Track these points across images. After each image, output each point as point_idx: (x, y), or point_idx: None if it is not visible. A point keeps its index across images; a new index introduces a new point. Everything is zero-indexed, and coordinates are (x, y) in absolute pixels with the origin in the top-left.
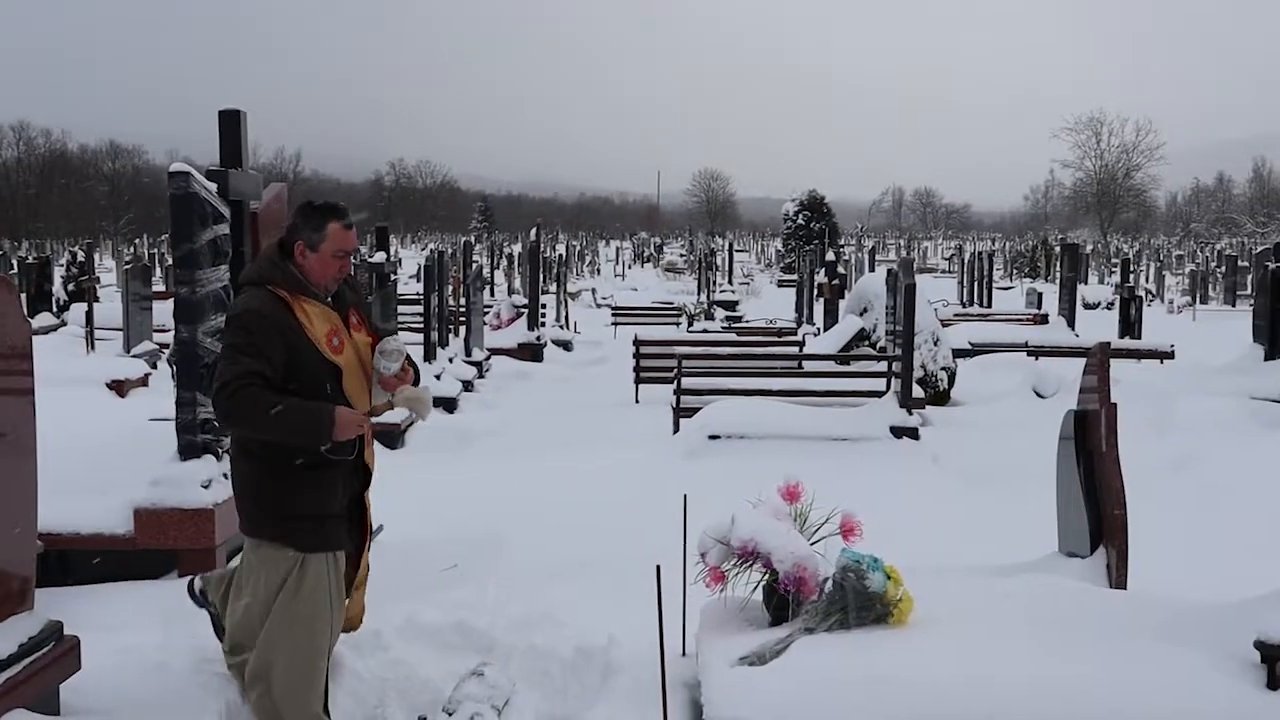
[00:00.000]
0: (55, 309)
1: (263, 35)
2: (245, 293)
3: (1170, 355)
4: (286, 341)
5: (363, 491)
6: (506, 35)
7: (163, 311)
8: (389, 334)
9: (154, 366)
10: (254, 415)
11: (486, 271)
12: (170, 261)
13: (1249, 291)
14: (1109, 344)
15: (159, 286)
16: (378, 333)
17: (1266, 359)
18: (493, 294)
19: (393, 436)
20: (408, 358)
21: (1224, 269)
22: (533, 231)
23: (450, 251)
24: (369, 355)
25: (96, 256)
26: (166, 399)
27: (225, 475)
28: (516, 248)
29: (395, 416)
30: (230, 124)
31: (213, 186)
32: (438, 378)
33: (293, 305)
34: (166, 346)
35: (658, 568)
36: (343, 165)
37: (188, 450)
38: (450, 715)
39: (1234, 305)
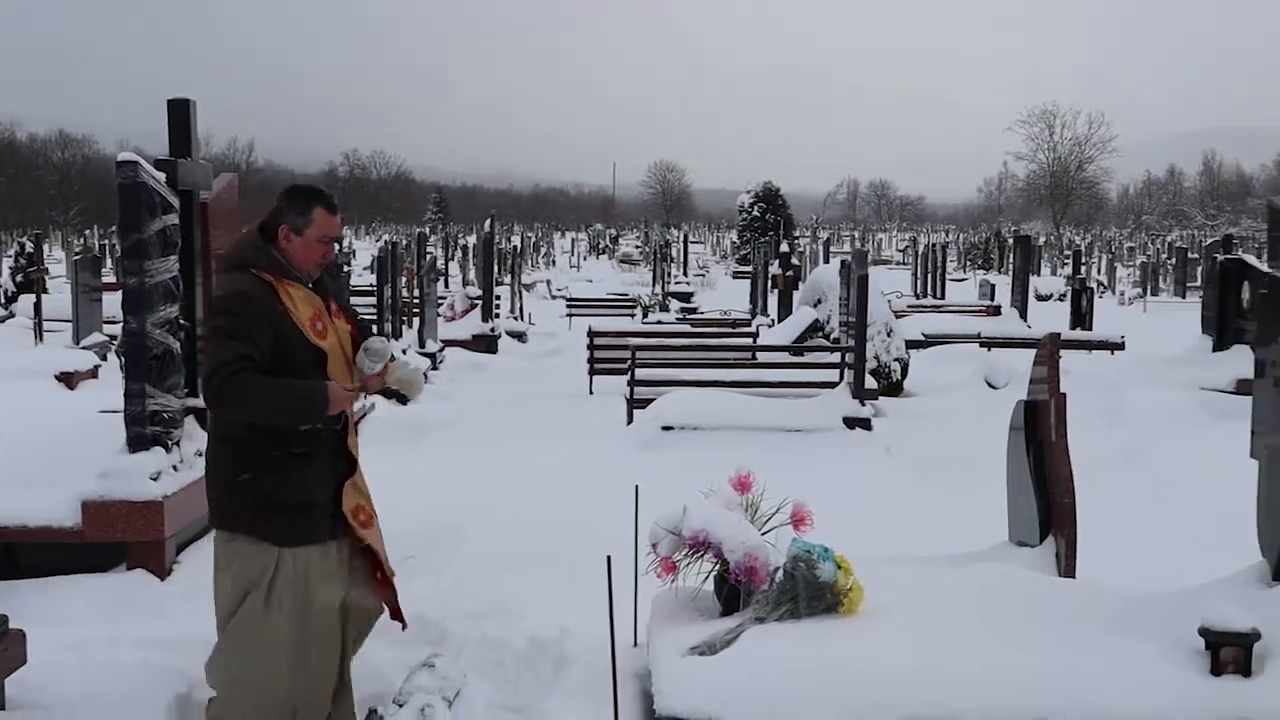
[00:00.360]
0: (3, 300)
1: (217, 25)
2: (229, 276)
3: (1121, 346)
4: (273, 325)
5: (345, 480)
6: (463, 28)
7: (113, 303)
8: (368, 328)
9: (104, 358)
10: (249, 399)
11: (441, 263)
12: (120, 252)
13: (1199, 283)
14: (1058, 335)
15: (109, 278)
16: (357, 322)
17: (1215, 350)
18: (447, 285)
19: None
20: (392, 357)
21: (1174, 261)
22: (487, 223)
23: (405, 243)
24: (349, 342)
25: (45, 247)
26: (116, 391)
27: (175, 467)
28: (471, 239)
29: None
30: (179, 113)
31: (161, 176)
32: None
33: (277, 288)
34: (116, 338)
35: (608, 558)
36: (297, 156)
37: (136, 442)
38: (401, 706)
39: (1184, 297)
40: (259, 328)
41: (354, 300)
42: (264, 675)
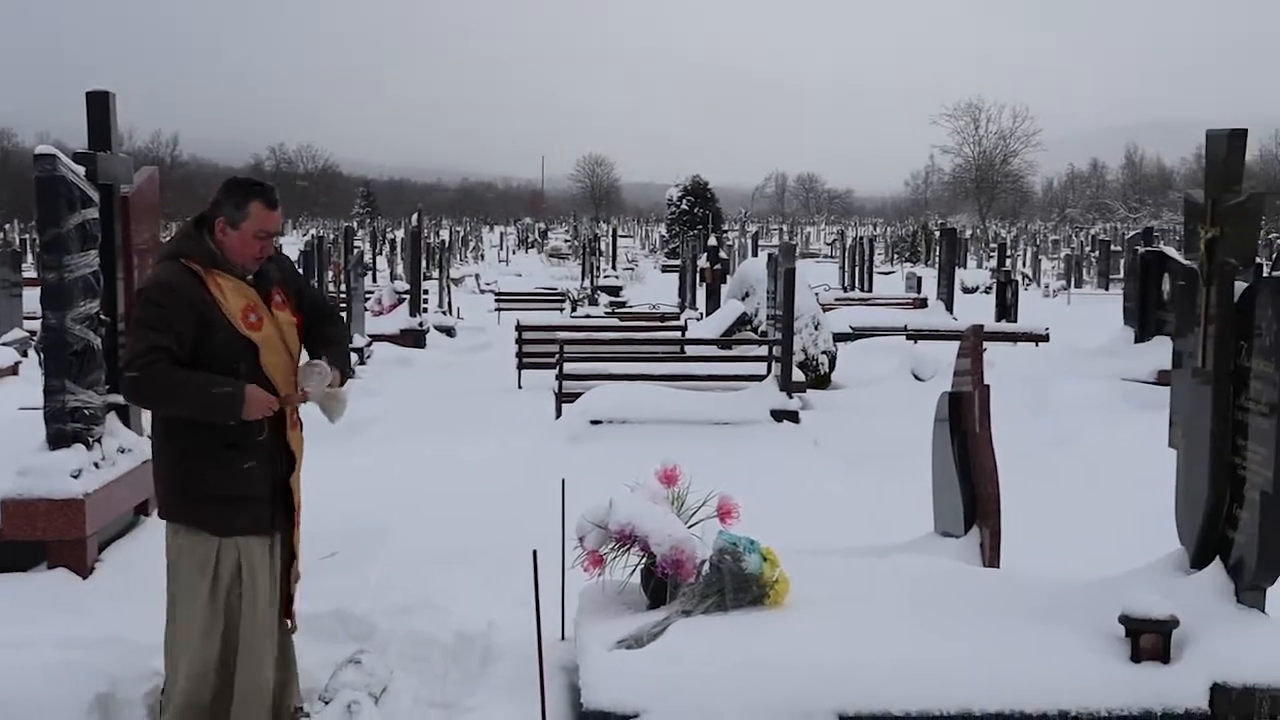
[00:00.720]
0: None
1: (143, 17)
2: (158, 266)
3: (1045, 338)
4: (197, 315)
5: (288, 476)
6: (390, 20)
7: (33, 298)
8: (332, 315)
9: (24, 354)
10: (160, 391)
11: (369, 258)
12: (39, 247)
13: (1121, 276)
14: (982, 327)
15: (30, 273)
16: (312, 311)
17: (1137, 341)
18: (375, 280)
19: None
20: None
21: (1097, 254)
22: (414, 217)
23: (332, 237)
24: (292, 334)
25: None
26: (36, 388)
27: (96, 464)
28: (399, 233)
29: None
30: (99, 106)
31: (81, 170)
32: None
33: (205, 279)
34: (36, 334)
35: (534, 552)
36: (222, 150)
37: (57, 439)
38: (327, 703)
39: (1107, 289)
40: (181, 318)
41: None
42: (205, 660)
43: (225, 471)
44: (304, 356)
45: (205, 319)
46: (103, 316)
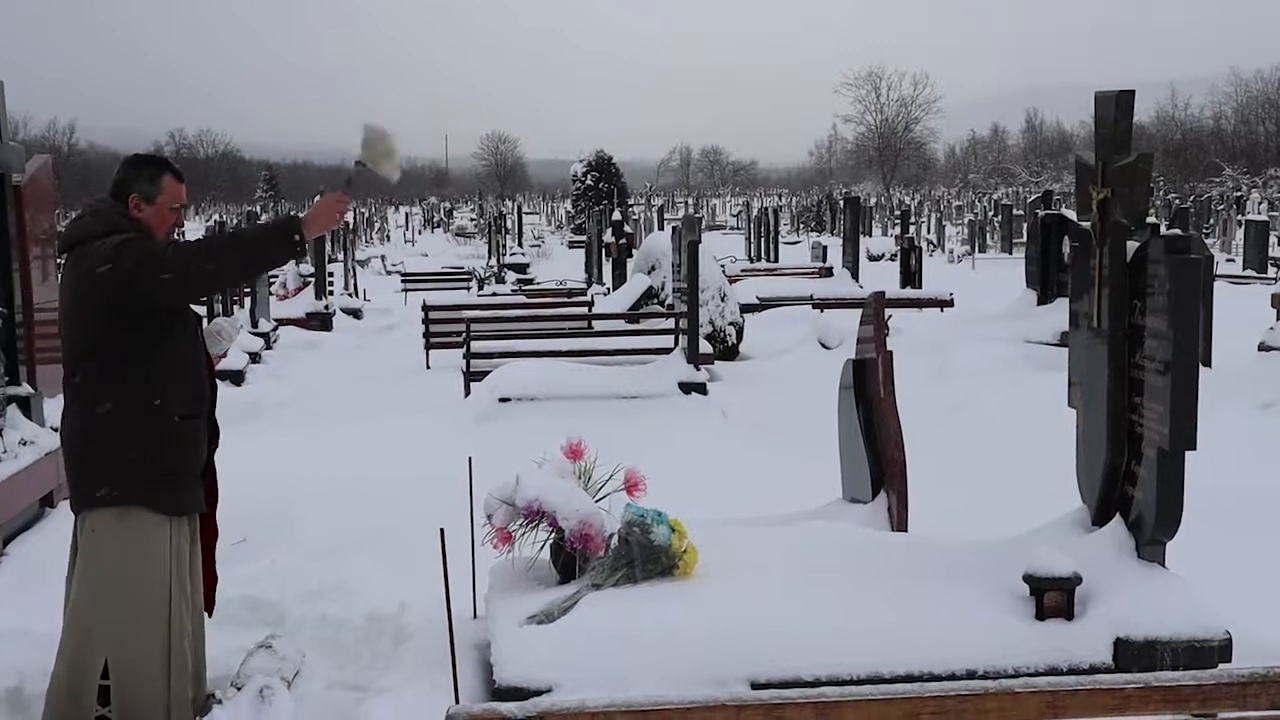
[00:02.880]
0: None
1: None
2: (113, 234)
3: (950, 303)
4: None
5: (212, 455)
6: (289, 1)
7: None
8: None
9: None
10: (215, 255)
11: None
12: None
13: (1024, 239)
14: (883, 294)
15: None
16: None
17: (1039, 304)
18: None
19: None
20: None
21: (1000, 218)
22: (316, 200)
23: (236, 222)
24: None
25: None
26: None
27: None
28: None
29: None
30: None
31: None
32: None
33: None
34: None
35: (441, 531)
36: (120, 136)
37: None
38: (239, 689)
39: (1010, 253)
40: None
41: None
42: (155, 648)
43: (176, 446)
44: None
45: None
46: (1, 310)
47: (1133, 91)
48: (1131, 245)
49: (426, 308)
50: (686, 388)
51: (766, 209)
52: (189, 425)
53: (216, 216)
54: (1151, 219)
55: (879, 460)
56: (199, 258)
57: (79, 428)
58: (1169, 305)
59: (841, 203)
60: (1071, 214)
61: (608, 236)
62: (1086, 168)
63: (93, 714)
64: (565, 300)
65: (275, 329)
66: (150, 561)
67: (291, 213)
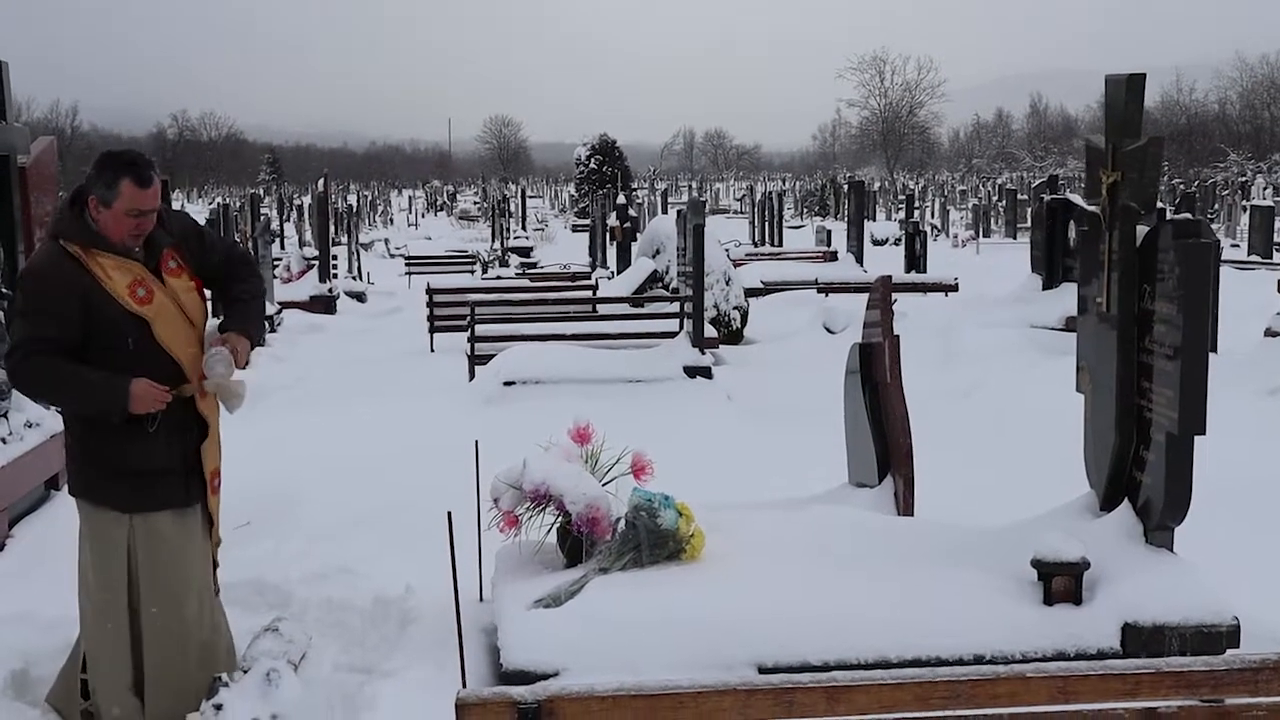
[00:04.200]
0: None
1: None
2: (40, 248)
3: (954, 288)
4: (80, 298)
5: (200, 444)
6: None
7: None
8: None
9: None
10: (41, 384)
11: (276, 224)
12: None
13: (1028, 224)
14: (890, 279)
15: None
16: (211, 272)
17: (1045, 288)
18: (283, 247)
19: None
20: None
21: (1004, 203)
22: (319, 182)
23: (238, 205)
24: (192, 299)
25: None
26: None
27: (3, 440)
28: (307, 199)
29: None
30: None
31: None
32: None
33: (85, 260)
34: None
35: (449, 514)
36: (123, 119)
37: None
38: (245, 672)
39: (1015, 238)
40: (62, 303)
41: None
42: (118, 645)
43: (132, 446)
44: (212, 323)
45: (88, 301)
46: (4, 290)
47: (1143, 74)
48: (1141, 230)
49: (431, 291)
50: (691, 371)
51: (770, 193)
52: (141, 429)
53: (220, 199)
54: (1158, 204)
55: (885, 444)
56: (25, 381)
57: (64, 418)
58: (1179, 290)
59: (846, 187)
60: (1078, 198)
61: (612, 220)
62: (1097, 151)
63: (78, 706)
64: (569, 284)
65: (279, 312)
66: (105, 561)
67: (122, 386)
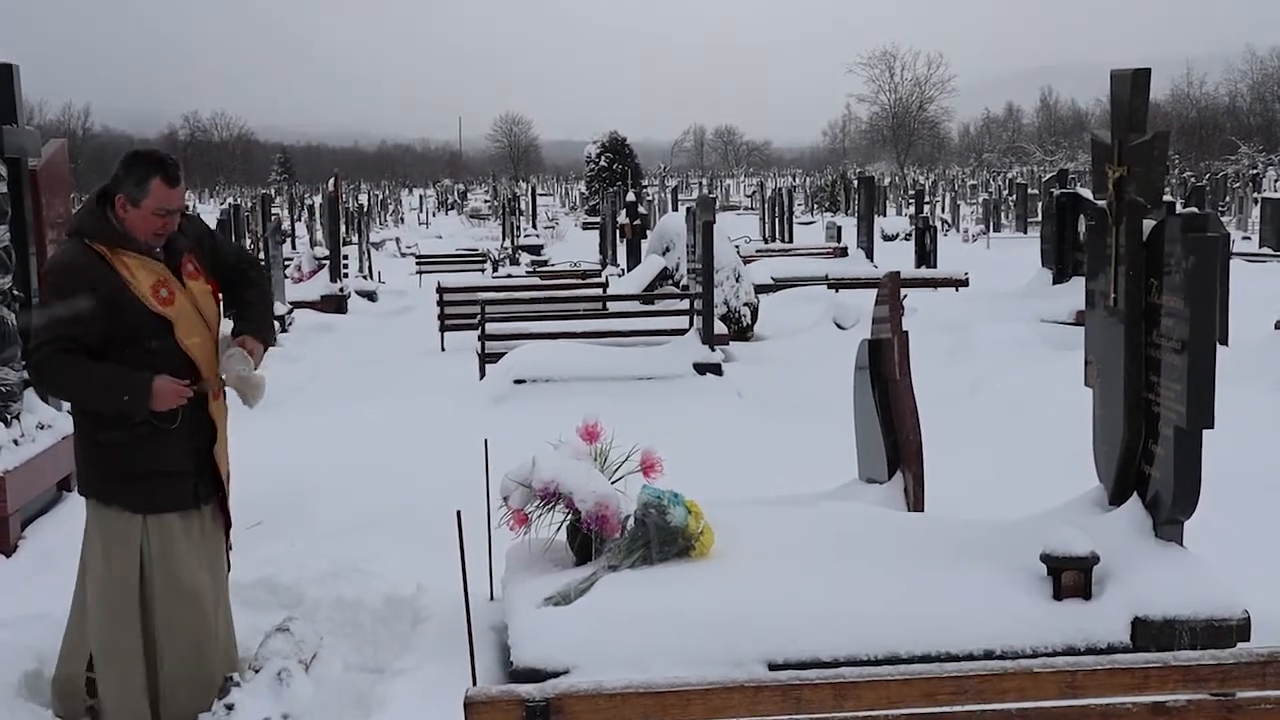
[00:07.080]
0: None
1: None
2: (63, 246)
3: (965, 283)
4: (103, 297)
5: (210, 447)
6: None
7: None
8: (252, 273)
9: None
10: (63, 381)
11: (287, 224)
12: None
13: (1039, 218)
14: (899, 274)
15: None
16: (222, 275)
17: (1055, 283)
18: (294, 247)
19: None
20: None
21: (1015, 197)
22: (331, 182)
23: (249, 205)
24: (208, 302)
25: None
26: None
27: (15, 442)
28: (318, 199)
29: None
30: (2, 79)
31: None
32: None
33: (111, 258)
34: None
35: (458, 513)
36: (135, 120)
37: None
38: (257, 672)
39: (1025, 232)
40: (89, 300)
41: None
42: (129, 644)
43: (141, 448)
44: (225, 326)
45: (112, 300)
46: (15, 292)
47: (1148, 69)
48: (1148, 223)
49: (441, 290)
50: (702, 368)
51: (780, 189)
52: (154, 430)
53: (231, 200)
54: (1167, 197)
55: (895, 440)
56: (47, 378)
57: (74, 419)
58: (1186, 283)
59: (856, 182)
60: (1087, 192)
61: (622, 217)
62: (1103, 146)
63: (83, 702)
64: (580, 282)
65: (290, 312)
66: (117, 561)
67: (144, 382)
